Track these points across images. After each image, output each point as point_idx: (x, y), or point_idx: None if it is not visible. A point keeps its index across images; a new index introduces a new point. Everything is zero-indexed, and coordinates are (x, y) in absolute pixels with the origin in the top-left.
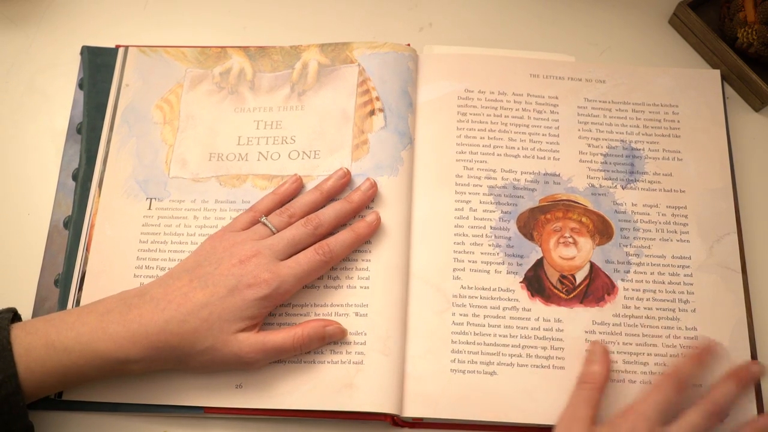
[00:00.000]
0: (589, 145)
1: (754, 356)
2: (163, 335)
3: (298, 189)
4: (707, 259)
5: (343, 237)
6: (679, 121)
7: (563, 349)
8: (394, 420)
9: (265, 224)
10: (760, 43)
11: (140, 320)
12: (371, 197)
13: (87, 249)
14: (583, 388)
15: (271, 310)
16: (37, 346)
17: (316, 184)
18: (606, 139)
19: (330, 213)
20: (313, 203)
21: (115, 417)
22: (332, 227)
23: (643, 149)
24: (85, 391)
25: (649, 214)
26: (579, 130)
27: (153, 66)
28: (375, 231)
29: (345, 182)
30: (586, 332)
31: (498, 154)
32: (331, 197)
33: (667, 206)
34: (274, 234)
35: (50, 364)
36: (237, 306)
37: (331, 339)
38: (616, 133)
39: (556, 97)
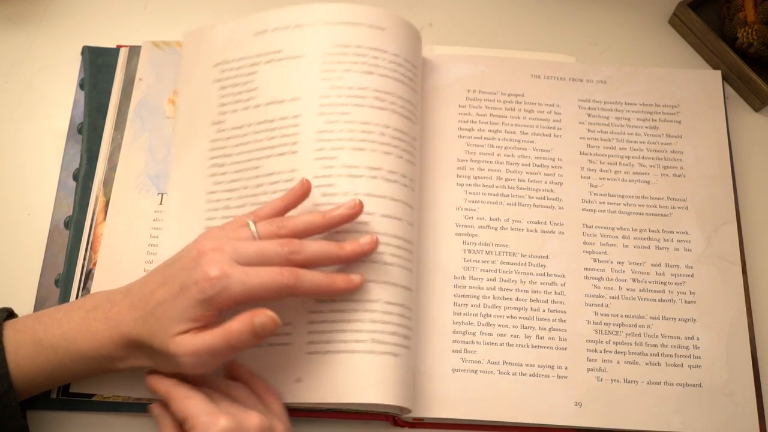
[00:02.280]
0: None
1: (753, 349)
2: (133, 334)
3: (304, 195)
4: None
5: (318, 276)
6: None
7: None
8: (395, 420)
9: (249, 227)
10: (760, 43)
11: (117, 318)
12: (365, 254)
13: (92, 248)
14: None
15: (217, 314)
16: (25, 344)
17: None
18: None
19: (315, 248)
20: (310, 225)
21: (115, 417)
22: (309, 261)
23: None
24: (88, 384)
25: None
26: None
27: (166, 60)
28: (349, 293)
29: (354, 214)
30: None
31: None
32: (332, 226)
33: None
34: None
35: (39, 362)
36: (182, 306)
37: (264, 330)
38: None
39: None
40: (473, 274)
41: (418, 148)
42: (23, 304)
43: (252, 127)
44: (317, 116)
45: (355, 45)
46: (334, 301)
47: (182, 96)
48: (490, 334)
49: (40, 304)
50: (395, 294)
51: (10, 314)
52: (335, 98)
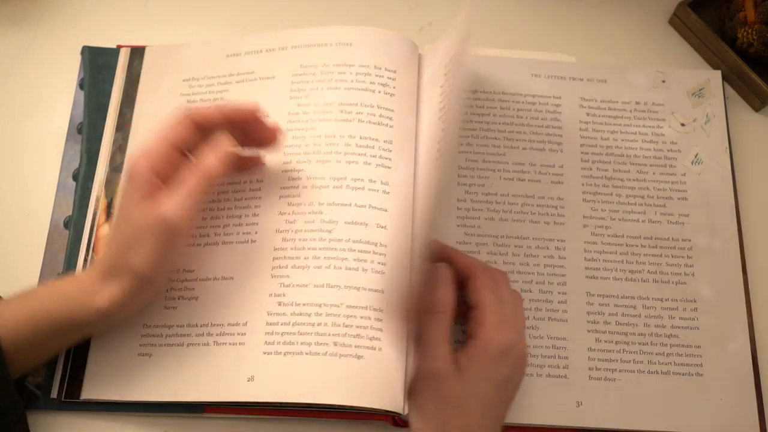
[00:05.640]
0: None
1: (753, 349)
2: (107, 257)
3: (252, 113)
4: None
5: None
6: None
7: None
8: (395, 420)
9: None
10: (760, 43)
11: (100, 260)
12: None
13: (94, 249)
14: (435, 318)
15: (156, 176)
16: (10, 301)
17: None
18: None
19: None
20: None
21: (115, 417)
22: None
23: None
24: (88, 389)
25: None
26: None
27: None
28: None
29: (248, 116)
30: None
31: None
32: (228, 119)
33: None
34: None
35: (22, 316)
36: (127, 200)
37: (221, 150)
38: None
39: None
40: None
41: (403, 148)
42: None
43: None
44: (285, 131)
45: (322, 64)
46: (297, 304)
47: (144, 105)
48: None
49: None
50: (359, 298)
51: None
52: (302, 114)
